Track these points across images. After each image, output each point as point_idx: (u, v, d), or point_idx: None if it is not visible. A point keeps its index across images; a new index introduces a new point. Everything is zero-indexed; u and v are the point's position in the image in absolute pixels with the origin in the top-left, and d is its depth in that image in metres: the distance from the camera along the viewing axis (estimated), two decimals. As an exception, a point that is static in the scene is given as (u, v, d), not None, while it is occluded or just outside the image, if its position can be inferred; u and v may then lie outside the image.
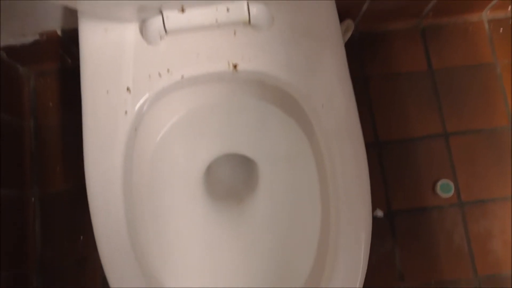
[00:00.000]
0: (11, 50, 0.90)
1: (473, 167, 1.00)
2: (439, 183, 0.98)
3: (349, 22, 0.95)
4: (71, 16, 0.82)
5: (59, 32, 0.87)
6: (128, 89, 0.60)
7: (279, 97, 0.68)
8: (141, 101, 0.60)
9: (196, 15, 0.61)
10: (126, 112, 0.60)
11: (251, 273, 0.70)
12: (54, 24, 0.86)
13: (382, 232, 0.97)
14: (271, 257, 0.72)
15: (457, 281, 0.96)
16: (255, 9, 0.62)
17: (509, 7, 1.04)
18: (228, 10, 0.61)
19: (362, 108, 1.00)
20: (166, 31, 0.62)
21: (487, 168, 0.99)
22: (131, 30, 0.63)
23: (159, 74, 0.61)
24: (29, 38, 0.87)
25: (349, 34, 0.97)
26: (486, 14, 1.05)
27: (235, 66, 0.61)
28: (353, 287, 0.59)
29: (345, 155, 0.61)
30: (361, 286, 0.60)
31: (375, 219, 0.97)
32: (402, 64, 1.03)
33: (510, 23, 1.05)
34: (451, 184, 0.98)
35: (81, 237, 0.94)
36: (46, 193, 0.96)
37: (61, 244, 0.94)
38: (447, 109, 1.01)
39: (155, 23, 0.61)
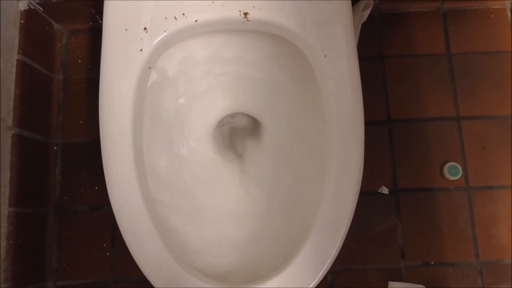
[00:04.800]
0: (47, 6, 0.96)
1: (483, 152, 1.00)
2: (447, 165, 0.98)
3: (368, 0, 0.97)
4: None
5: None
6: (145, 29, 0.65)
7: (286, 51, 0.72)
8: (156, 41, 0.65)
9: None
10: (141, 50, 0.64)
11: (239, 219, 0.73)
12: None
13: (386, 209, 0.98)
14: (261, 217, 0.75)
15: (458, 263, 0.96)
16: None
17: (534, -3, 1.04)
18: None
19: (376, 86, 1.03)
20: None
21: (497, 155, 0.99)
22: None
23: (175, 17, 0.65)
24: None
25: (368, 12, 0.98)
26: (509, 2, 1.05)
27: (246, 14, 0.65)
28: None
29: (344, 109, 0.64)
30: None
31: (380, 195, 0.99)
32: (420, 46, 1.04)
33: (533, 13, 1.05)
34: (459, 167, 0.98)
35: (96, 188, 0.99)
36: (68, 143, 1.01)
37: (77, 191, 1.00)
38: (462, 93, 1.02)
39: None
